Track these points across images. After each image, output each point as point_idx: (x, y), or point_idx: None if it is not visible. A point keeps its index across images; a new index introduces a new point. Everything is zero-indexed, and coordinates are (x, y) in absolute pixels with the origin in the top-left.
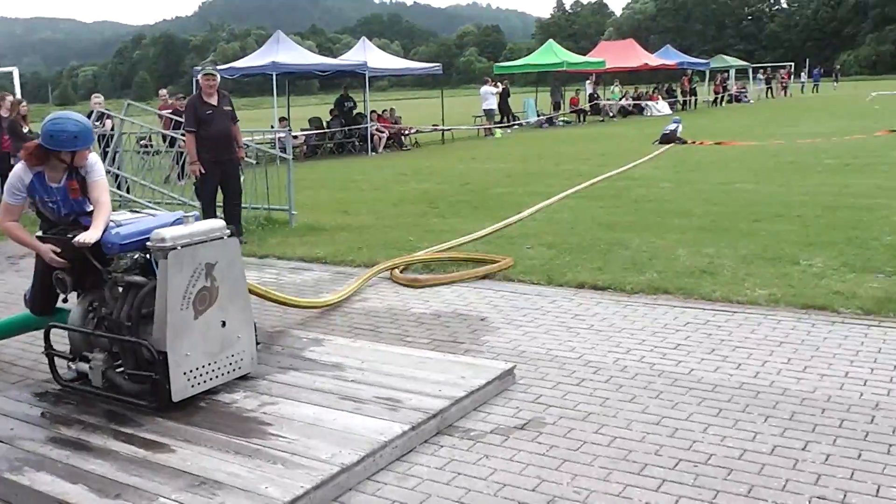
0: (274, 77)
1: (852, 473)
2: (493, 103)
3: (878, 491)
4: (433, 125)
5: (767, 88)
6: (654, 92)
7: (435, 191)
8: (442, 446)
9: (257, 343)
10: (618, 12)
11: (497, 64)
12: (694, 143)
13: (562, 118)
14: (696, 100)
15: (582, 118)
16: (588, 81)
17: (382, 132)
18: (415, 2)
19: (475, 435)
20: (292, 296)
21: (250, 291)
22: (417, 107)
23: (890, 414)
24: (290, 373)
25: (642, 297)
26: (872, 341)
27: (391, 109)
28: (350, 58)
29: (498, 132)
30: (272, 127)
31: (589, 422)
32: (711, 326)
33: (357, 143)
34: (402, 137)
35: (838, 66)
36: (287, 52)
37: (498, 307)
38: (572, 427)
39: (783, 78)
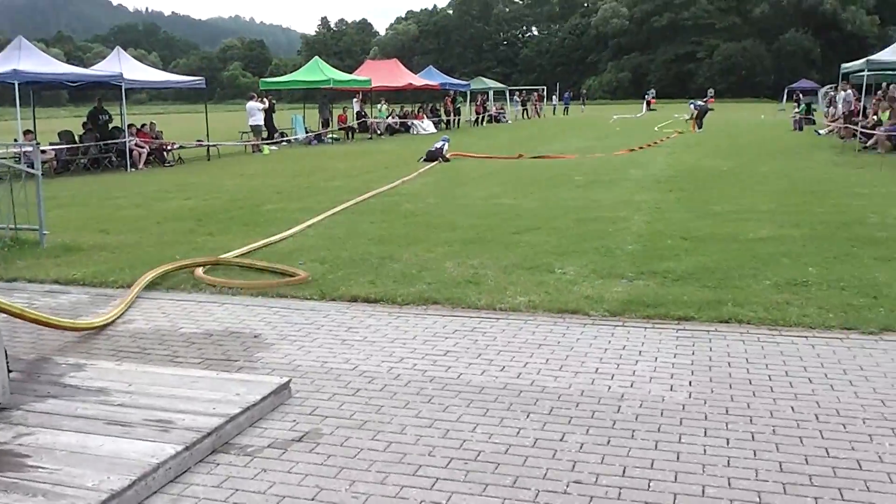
0: (16, 86)
1: (603, 458)
2: (260, 119)
3: (624, 472)
4: (198, 140)
5: (523, 110)
6: (419, 111)
7: (202, 207)
8: (218, 464)
9: (9, 371)
10: (382, 32)
11: (263, 79)
12: (469, 156)
13: (330, 135)
14: (459, 119)
15: (350, 136)
16: (355, 99)
17: (142, 147)
18: (173, 12)
19: (252, 451)
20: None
21: (1, 310)
22: (180, 121)
23: (633, 404)
24: (48, 401)
25: (413, 308)
26: (618, 340)
27: (151, 123)
28: (104, 68)
29: (266, 148)
30: (16, 140)
31: (365, 429)
32: (478, 333)
33: (114, 159)
34: (165, 153)
35: (585, 91)
36: (31, 60)
37: (272, 323)
38: (349, 436)
39: (536, 100)
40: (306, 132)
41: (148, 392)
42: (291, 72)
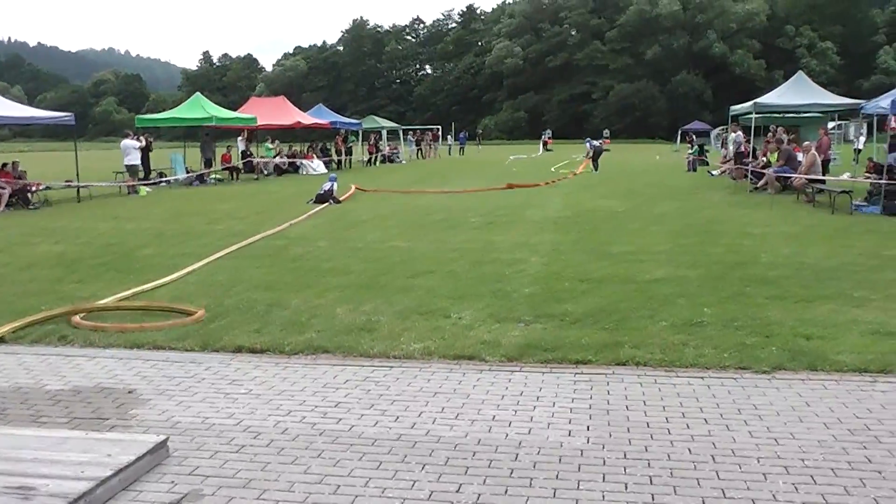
0: None
1: None
2: (136, 158)
3: None
4: (66, 181)
5: (418, 150)
6: (308, 150)
7: (72, 253)
8: None
9: None
10: (268, 68)
11: (140, 116)
12: (362, 190)
13: (213, 175)
14: (350, 159)
15: (235, 176)
16: (240, 138)
17: (3, 188)
18: (39, 42)
19: None
20: None
21: None
22: (47, 160)
23: (531, 451)
24: None
25: (302, 358)
26: (515, 385)
27: (14, 163)
28: None
29: (143, 189)
30: None
31: (250, 488)
32: (370, 382)
33: None
34: (29, 194)
35: (481, 130)
36: None
37: (147, 378)
38: (232, 496)
39: (431, 140)
40: (187, 172)
41: (7, 456)
42: (171, 108)
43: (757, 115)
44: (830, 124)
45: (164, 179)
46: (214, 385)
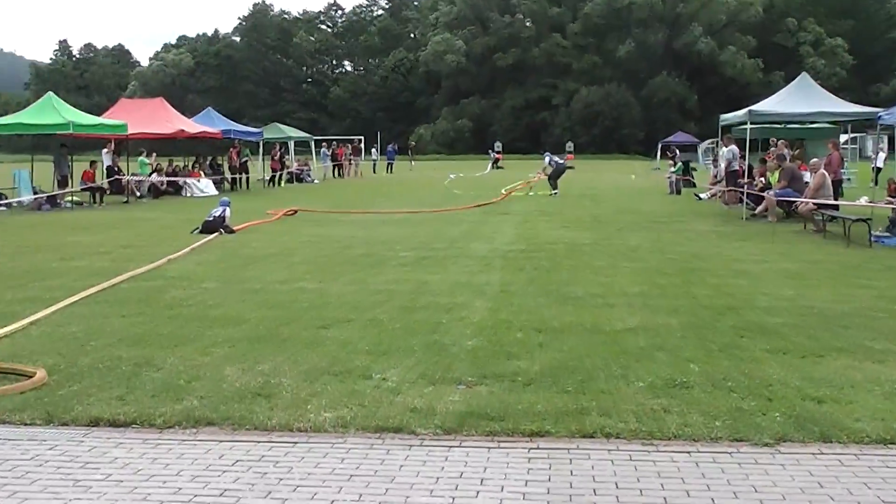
0: None
1: None
2: None
3: None
4: None
5: (335, 166)
6: (194, 167)
7: None
8: None
9: None
10: (144, 62)
11: None
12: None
13: (70, 198)
14: (248, 178)
15: (99, 198)
16: (106, 150)
17: None
18: None
19: None
20: None
21: None
22: None
23: None
24: None
25: (179, 432)
26: (453, 465)
27: None
28: None
29: None
30: None
31: None
32: (267, 462)
33: None
34: None
35: (413, 143)
36: None
37: None
38: None
39: (351, 154)
40: (35, 193)
41: None
42: (15, 111)
43: (753, 126)
44: (843, 137)
45: (3, 202)
46: (62, 469)
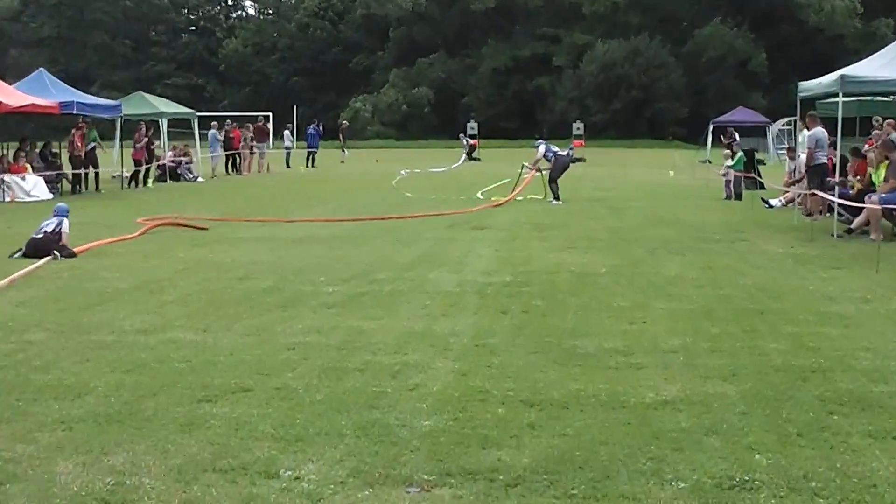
0: None
1: None
2: None
3: None
4: None
5: (230, 156)
6: (16, 157)
7: None
8: None
9: None
10: None
11: None
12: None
13: None
14: (98, 174)
15: None
16: None
17: None
18: None
19: None
20: None
21: None
22: None
23: None
24: None
25: None
26: None
27: None
28: None
29: None
30: None
31: None
32: None
33: None
34: None
35: (346, 123)
36: None
37: None
38: None
39: (252, 139)
40: None
41: None
42: None
43: (847, 100)
44: None
45: None
46: None
